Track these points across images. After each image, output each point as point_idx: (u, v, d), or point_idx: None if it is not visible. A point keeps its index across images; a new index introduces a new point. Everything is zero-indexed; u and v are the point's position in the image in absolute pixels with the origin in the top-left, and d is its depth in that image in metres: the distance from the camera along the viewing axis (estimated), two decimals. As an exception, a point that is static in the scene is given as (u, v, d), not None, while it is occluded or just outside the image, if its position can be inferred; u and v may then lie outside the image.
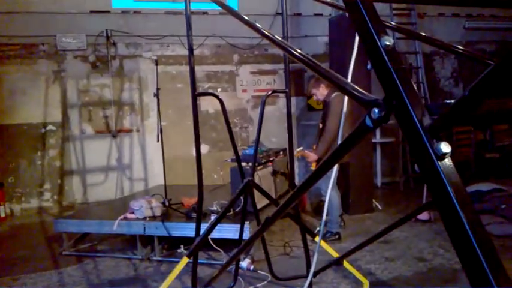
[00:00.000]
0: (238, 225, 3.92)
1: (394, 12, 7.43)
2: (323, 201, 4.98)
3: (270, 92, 2.66)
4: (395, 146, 7.50)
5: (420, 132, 0.68)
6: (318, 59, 6.17)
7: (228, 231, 3.91)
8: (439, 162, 0.65)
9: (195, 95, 2.44)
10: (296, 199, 1.32)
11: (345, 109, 3.71)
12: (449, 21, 7.27)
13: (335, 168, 4.76)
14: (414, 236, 4.71)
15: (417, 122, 0.69)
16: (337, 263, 2.49)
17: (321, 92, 4.61)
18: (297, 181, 7.23)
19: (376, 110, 0.79)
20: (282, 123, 5.35)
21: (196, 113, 2.51)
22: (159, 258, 4.34)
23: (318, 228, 4.61)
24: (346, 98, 4.68)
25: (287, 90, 2.62)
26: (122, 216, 4.40)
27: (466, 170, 7.60)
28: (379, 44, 0.77)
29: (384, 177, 7.40)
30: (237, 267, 3.32)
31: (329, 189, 2.31)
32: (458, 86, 8.24)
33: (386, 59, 0.75)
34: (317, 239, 2.89)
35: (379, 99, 0.80)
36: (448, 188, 0.63)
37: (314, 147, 4.56)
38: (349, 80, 2.12)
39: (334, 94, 4.59)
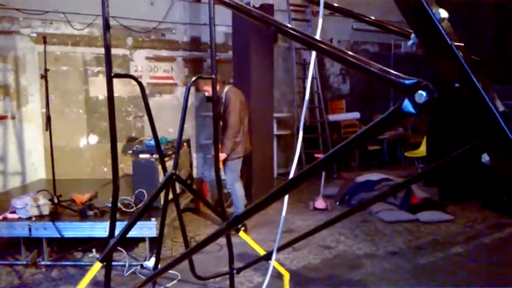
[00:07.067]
0: (145, 222, 3.66)
1: (291, 8, 7.62)
2: (228, 194, 4.90)
3: (195, 77, 2.45)
4: (289, 138, 7.74)
5: (497, 119, 0.59)
6: (218, 49, 5.95)
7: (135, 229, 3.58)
8: (523, 153, 0.57)
9: (111, 77, 2.13)
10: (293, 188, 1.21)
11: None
12: (340, 21, 7.67)
13: (240, 161, 4.71)
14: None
15: (492, 108, 0.60)
16: (267, 258, 2.41)
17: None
18: (196, 174, 7.01)
19: (424, 94, 0.68)
20: (180, 113, 5.02)
21: (112, 96, 2.20)
22: (48, 263, 3.81)
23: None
24: (238, 92, 4.64)
25: (213, 76, 2.44)
26: (0, 217, 3.76)
27: (352, 161, 8.21)
28: (432, 16, 0.66)
29: (280, 168, 7.57)
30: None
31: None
32: (345, 82, 8.80)
33: (444, 33, 0.65)
34: (241, 233, 2.78)
35: (424, 82, 0.69)
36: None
37: (220, 146, 4.48)
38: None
39: (226, 89, 4.58)
